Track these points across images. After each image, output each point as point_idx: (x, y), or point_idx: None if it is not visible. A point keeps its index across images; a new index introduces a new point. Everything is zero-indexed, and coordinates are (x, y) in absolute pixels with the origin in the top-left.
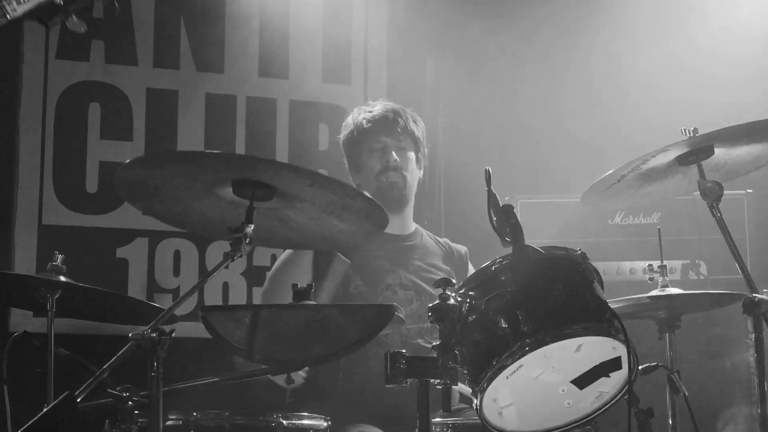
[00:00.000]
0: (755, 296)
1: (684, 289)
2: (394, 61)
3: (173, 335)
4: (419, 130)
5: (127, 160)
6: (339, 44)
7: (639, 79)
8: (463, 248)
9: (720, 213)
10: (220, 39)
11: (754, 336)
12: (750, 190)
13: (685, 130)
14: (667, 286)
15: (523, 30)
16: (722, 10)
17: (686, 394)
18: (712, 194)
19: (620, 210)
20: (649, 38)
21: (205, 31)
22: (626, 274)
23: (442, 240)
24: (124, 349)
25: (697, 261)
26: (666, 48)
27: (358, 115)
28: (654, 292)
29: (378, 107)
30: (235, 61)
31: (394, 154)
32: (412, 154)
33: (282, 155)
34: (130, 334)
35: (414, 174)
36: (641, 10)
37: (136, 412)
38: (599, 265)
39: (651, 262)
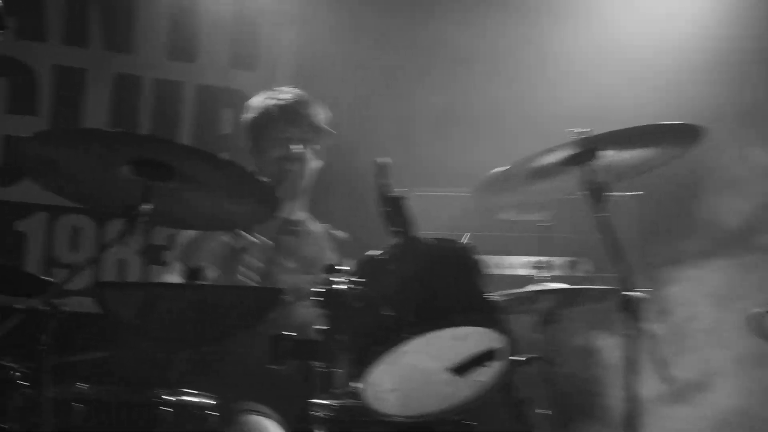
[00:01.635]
0: (631, 294)
1: (568, 284)
2: (302, 50)
3: (65, 309)
4: (323, 121)
5: (29, 134)
6: (247, 30)
7: (546, 76)
8: (342, 234)
9: (606, 213)
10: (131, 19)
11: (627, 334)
12: (641, 192)
13: (575, 131)
14: (551, 281)
15: (434, 27)
16: (624, 11)
17: (561, 386)
18: (598, 194)
19: (512, 206)
20: (554, 36)
21: (115, 10)
22: (514, 268)
23: (325, 226)
24: (11, 319)
25: (582, 258)
26: (570, 46)
27: (267, 101)
28: (537, 286)
29: (287, 95)
30: (145, 42)
31: (297, 144)
32: (313, 146)
33: (186, 138)
34: (17, 306)
35: (313, 164)
36: (546, 7)
37: (22, 383)
38: (488, 259)
39: (538, 258)
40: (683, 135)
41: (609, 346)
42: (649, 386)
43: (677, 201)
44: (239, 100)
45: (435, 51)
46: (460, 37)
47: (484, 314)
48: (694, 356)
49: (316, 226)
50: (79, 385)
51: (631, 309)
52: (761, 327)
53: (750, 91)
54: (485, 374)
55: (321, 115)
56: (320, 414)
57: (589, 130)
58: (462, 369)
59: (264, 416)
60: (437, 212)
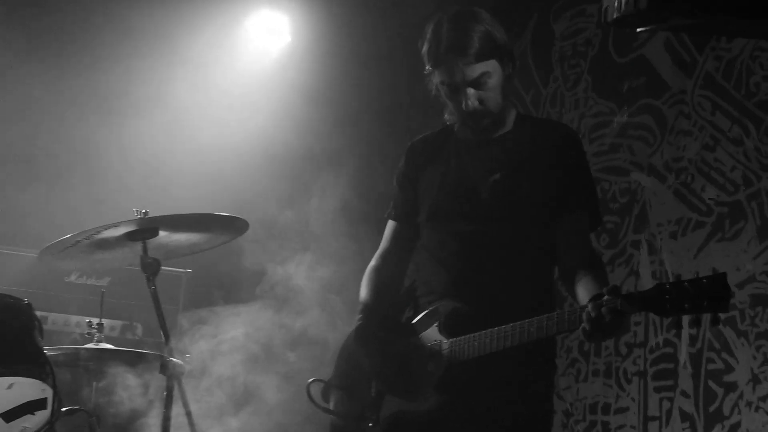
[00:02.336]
0: (171, 359)
1: (117, 346)
2: None
3: None
4: None
5: None
6: None
7: (121, 156)
8: None
9: (155, 285)
10: None
11: (165, 394)
12: (189, 270)
13: (137, 210)
14: (102, 341)
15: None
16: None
17: None
18: (151, 269)
19: (76, 270)
20: (131, 125)
21: None
22: (72, 327)
23: None
24: None
25: (134, 323)
26: (146, 134)
27: None
28: (89, 345)
29: None
30: None
31: None
32: None
33: None
34: None
35: None
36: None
37: None
38: (48, 316)
39: (92, 319)
40: (231, 225)
41: (151, 404)
42: None
43: (219, 279)
44: None
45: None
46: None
47: (35, 366)
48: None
49: None
50: None
51: (169, 372)
52: (316, 395)
53: (289, 188)
54: (31, 421)
55: None
56: None
57: (145, 211)
58: (11, 415)
59: None
60: (5, 270)
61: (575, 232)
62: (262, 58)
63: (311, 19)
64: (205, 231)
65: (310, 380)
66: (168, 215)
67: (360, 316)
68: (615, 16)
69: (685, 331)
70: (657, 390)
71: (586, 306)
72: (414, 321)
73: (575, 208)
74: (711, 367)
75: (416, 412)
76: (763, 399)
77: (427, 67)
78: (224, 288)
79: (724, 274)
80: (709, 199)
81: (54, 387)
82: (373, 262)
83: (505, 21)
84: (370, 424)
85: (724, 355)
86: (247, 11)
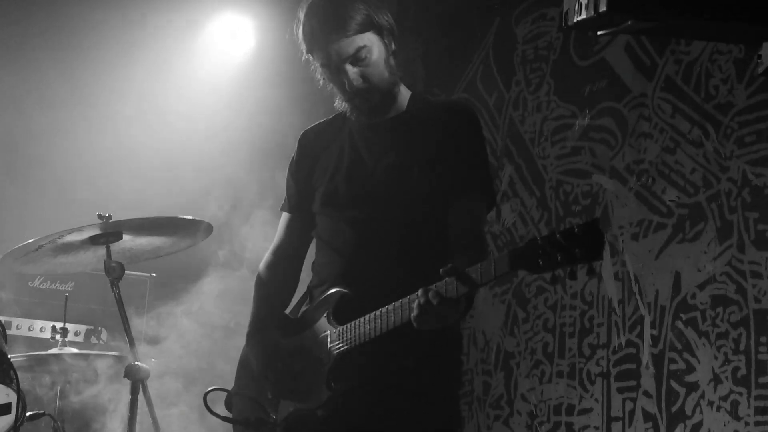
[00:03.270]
0: (136, 363)
1: (82, 350)
2: None
3: None
4: None
5: None
6: None
7: (82, 160)
8: None
9: (119, 289)
10: None
11: (130, 399)
12: (154, 274)
13: (100, 215)
14: (66, 346)
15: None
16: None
17: None
18: (115, 273)
19: (40, 275)
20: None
21: None
22: (36, 331)
23: None
24: None
25: (99, 327)
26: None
27: None
28: (53, 350)
29: None
30: None
31: None
32: None
33: None
34: None
35: None
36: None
37: None
38: (12, 321)
39: (56, 324)
40: (195, 229)
41: (116, 408)
42: None
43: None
44: None
45: None
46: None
47: None
48: None
49: None
50: None
51: (136, 377)
52: (214, 404)
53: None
54: None
55: None
56: None
57: (109, 214)
58: None
59: None
60: None
61: (467, 215)
62: (226, 62)
63: (275, 22)
64: (169, 235)
65: (208, 389)
66: (131, 219)
67: (250, 318)
68: (575, 19)
69: (647, 332)
70: (620, 391)
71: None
72: (307, 312)
73: (469, 192)
74: (673, 367)
75: (311, 408)
76: (724, 398)
77: (304, 54)
78: (189, 291)
79: (597, 220)
80: (669, 201)
81: (18, 392)
82: (264, 259)
83: (467, 25)
84: (271, 428)
85: (685, 355)
86: (211, 15)
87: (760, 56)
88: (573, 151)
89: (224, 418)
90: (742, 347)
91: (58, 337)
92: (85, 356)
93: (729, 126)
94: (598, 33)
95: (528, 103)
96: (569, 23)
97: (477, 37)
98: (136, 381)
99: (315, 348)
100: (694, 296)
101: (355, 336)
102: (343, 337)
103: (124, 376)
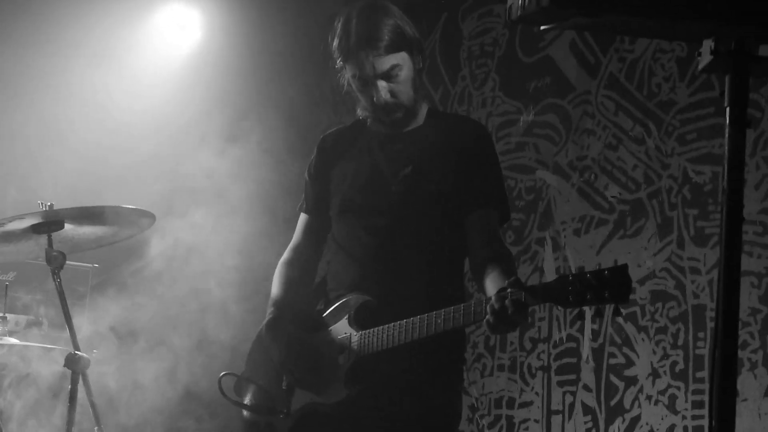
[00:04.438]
0: (76, 353)
1: (22, 340)
2: None
3: None
4: None
5: None
6: None
7: (28, 147)
8: None
9: (60, 279)
10: None
11: (70, 388)
12: (96, 264)
13: (42, 203)
14: (5, 335)
15: None
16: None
17: None
18: (56, 262)
19: None
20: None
21: None
22: None
23: None
24: None
25: (40, 318)
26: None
27: None
28: None
29: None
30: None
31: None
32: None
33: None
34: None
35: None
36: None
37: None
38: None
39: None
40: (137, 218)
41: (55, 397)
42: None
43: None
44: None
45: None
46: None
47: None
48: None
49: None
50: None
51: (76, 367)
52: (228, 389)
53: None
54: None
55: None
56: None
57: (51, 203)
58: None
59: None
60: None
61: (485, 227)
62: (172, 54)
63: (222, 14)
64: (111, 224)
65: (222, 374)
66: (72, 207)
67: (271, 309)
68: (518, 14)
69: (588, 327)
70: (560, 384)
71: (490, 298)
72: (324, 314)
73: (485, 203)
74: (612, 361)
75: (327, 404)
76: (662, 392)
77: (338, 62)
78: (131, 281)
79: (626, 266)
80: (611, 197)
81: None
82: (284, 256)
83: (414, 19)
84: (281, 417)
85: (625, 349)
86: (157, 6)
87: (700, 53)
88: (517, 146)
89: (237, 404)
90: (680, 342)
91: None
92: (26, 346)
93: (671, 124)
94: (542, 28)
95: (473, 99)
96: (512, 18)
97: (424, 32)
98: (77, 370)
99: (334, 347)
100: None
101: (380, 342)
102: (365, 341)
103: (64, 366)
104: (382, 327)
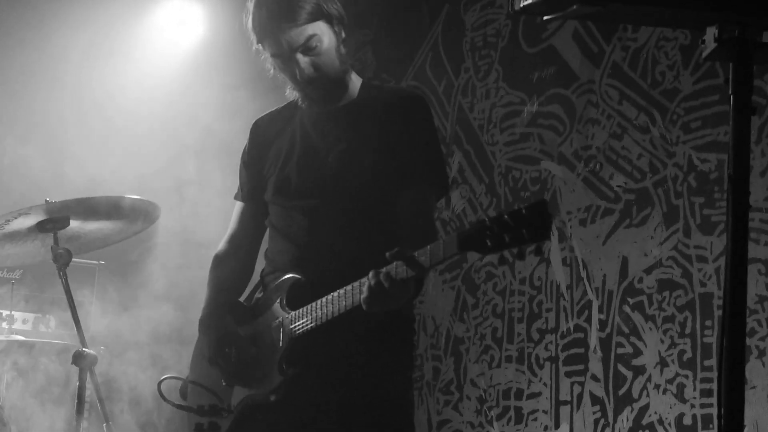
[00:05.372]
0: (84, 350)
1: (30, 338)
2: None
3: None
4: None
5: None
6: None
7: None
8: None
9: (66, 277)
10: None
11: (78, 385)
12: (102, 262)
13: (48, 200)
14: (13, 334)
15: None
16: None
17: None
18: (62, 260)
19: None
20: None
21: None
22: None
23: None
24: None
25: (47, 316)
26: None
27: None
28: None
29: None
30: None
31: None
32: None
33: None
34: None
35: None
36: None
37: None
38: None
39: (2, 311)
40: (143, 212)
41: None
42: None
43: (134, 271)
44: None
45: None
46: None
47: None
48: None
49: None
50: None
51: (83, 364)
52: (168, 392)
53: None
54: None
55: None
56: None
57: (52, 200)
58: None
59: None
60: None
61: (417, 206)
62: (173, 50)
63: (224, 10)
64: (116, 218)
65: (162, 378)
66: (77, 199)
67: (204, 305)
68: (522, 4)
69: (595, 317)
70: (568, 375)
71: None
72: (259, 302)
73: (418, 180)
74: (620, 351)
75: (263, 393)
76: (670, 381)
77: (255, 45)
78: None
79: (544, 201)
80: (617, 186)
81: None
82: (219, 248)
83: (416, 12)
84: (225, 415)
85: (632, 339)
86: (159, 2)
87: (704, 41)
88: (521, 137)
89: (178, 406)
90: (687, 331)
91: (5, 324)
92: (33, 343)
93: (675, 112)
94: (545, 18)
95: (477, 90)
96: (516, 8)
97: (426, 24)
98: (84, 367)
99: (268, 334)
100: (641, 281)
101: (308, 320)
102: (296, 322)
103: (72, 363)
104: (311, 304)
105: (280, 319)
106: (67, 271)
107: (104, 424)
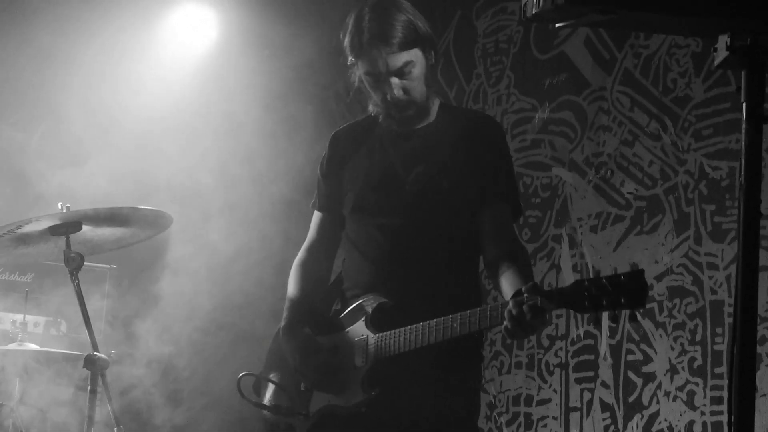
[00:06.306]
0: (95, 354)
1: (41, 342)
2: None
3: None
4: None
5: None
6: None
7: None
8: None
9: (78, 280)
10: None
11: (89, 389)
12: (113, 266)
13: (61, 205)
14: (26, 339)
15: None
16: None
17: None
18: (74, 263)
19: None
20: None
21: None
22: None
23: None
24: None
25: (58, 319)
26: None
27: None
28: (12, 345)
29: None
30: None
31: None
32: None
33: None
34: None
35: None
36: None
37: None
38: None
39: (15, 316)
40: (155, 219)
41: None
42: None
43: (143, 276)
44: None
45: None
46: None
47: None
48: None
49: None
50: None
51: (95, 368)
52: (247, 390)
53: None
54: None
55: None
56: None
57: (69, 205)
58: None
59: None
60: None
61: (498, 223)
62: (186, 54)
63: (237, 15)
64: (129, 225)
65: (241, 374)
66: (90, 209)
67: (286, 313)
68: (533, 11)
69: (605, 324)
70: (578, 381)
71: (508, 303)
72: (341, 315)
73: (497, 199)
74: (630, 358)
75: (345, 406)
76: (680, 388)
77: (349, 59)
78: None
79: (641, 271)
80: (627, 193)
81: None
82: (299, 256)
83: (428, 18)
84: (301, 418)
85: (642, 346)
86: (172, 6)
87: (715, 49)
88: (533, 143)
89: (257, 404)
90: (698, 338)
91: (17, 330)
92: (44, 348)
93: (686, 119)
94: (557, 26)
95: (488, 96)
96: (527, 15)
97: (438, 30)
98: (96, 371)
99: (350, 349)
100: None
101: (399, 345)
102: (381, 343)
103: (84, 367)
104: (399, 330)
105: (365, 336)
106: (78, 274)
107: (115, 428)
